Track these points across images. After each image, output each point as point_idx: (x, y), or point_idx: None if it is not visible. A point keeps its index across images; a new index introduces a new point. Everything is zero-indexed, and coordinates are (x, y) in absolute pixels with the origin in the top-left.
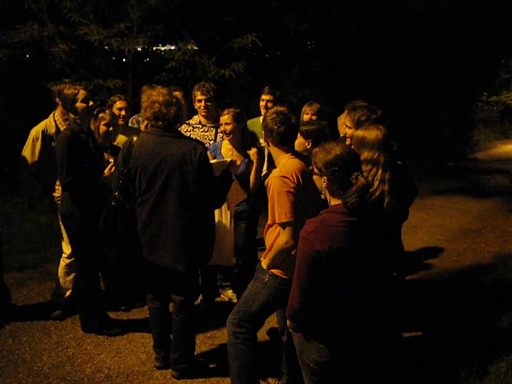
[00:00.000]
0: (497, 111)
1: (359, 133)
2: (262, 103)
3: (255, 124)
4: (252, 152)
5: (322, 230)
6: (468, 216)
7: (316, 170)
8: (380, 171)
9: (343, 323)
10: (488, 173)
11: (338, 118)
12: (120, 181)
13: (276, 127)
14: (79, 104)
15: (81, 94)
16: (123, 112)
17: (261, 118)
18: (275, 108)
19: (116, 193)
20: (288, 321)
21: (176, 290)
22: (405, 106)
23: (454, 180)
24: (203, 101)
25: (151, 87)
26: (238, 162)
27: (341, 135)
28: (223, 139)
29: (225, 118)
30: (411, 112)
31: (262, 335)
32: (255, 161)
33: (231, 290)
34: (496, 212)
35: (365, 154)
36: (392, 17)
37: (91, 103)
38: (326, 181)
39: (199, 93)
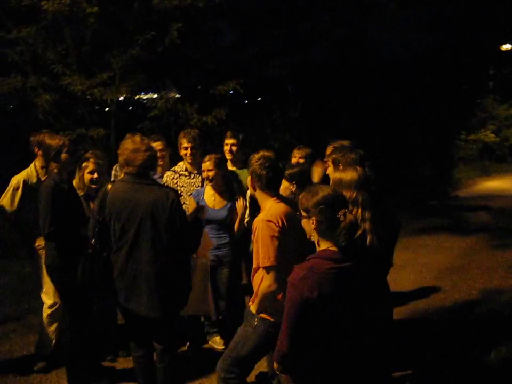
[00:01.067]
0: (476, 149)
1: (336, 175)
2: (226, 148)
3: None
4: (239, 204)
5: (311, 276)
6: (453, 254)
7: (303, 214)
8: (360, 210)
9: (331, 366)
10: (470, 210)
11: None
12: (96, 229)
13: (264, 172)
14: (63, 155)
15: (66, 144)
16: (95, 176)
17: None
18: (261, 153)
19: (93, 241)
20: (275, 363)
21: (156, 338)
22: (386, 147)
23: (437, 218)
24: (189, 148)
25: (133, 135)
26: (206, 210)
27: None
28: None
29: (207, 164)
30: (392, 153)
31: (251, 380)
32: (239, 211)
33: (218, 337)
34: (480, 248)
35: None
36: (370, 61)
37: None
38: (314, 221)
39: (185, 140)
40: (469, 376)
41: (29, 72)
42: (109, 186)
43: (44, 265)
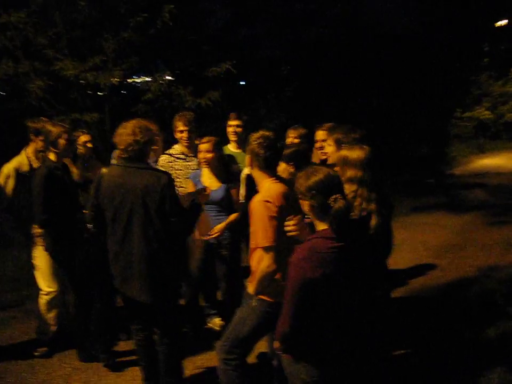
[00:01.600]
0: (471, 126)
1: (343, 152)
2: (230, 129)
3: (225, 151)
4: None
5: (313, 257)
6: (449, 232)
7: (299, 195)
8: (366, 190)
9: (331, 344)
10: (466, 187)
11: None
12: (92, 213)
13: (262, 151)
14: (61, 141)
15: (67, 132)
16: (89, 145)
17: (230, 145)
18: (261, 132)
19: (89, 225)
20: (276, 343)
21: (155, 321)
22: (381, 126)
23: (433, 196)
24: (185, 131)
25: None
26: (208, 191)
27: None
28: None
29: (206, 146)
30: (387, 131)
31: (252, 360)
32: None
33: (218, 318)
34: (477, 225)
35: (348, 174)
36: (364, 39)
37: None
38: (308, 205)
39: (181, 123)
40: (467, 353)
41: (20, 58)
42: (104, 170)
43: (40, 252)
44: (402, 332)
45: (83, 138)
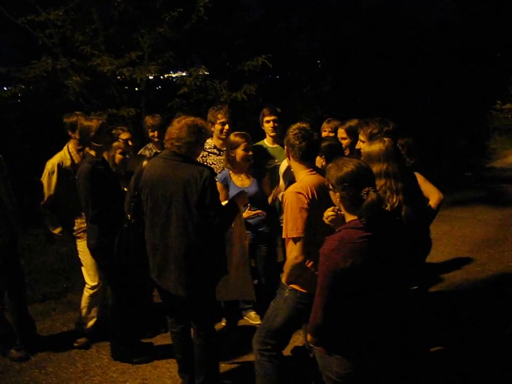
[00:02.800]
0: None
1: (365, 149)
2: (268, 125)
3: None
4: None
5: (343, 247)
6: (489, 226)
7: (330, 187)
8: (393, 181)
9: (364, 336)
10: (506, 181)
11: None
12: (132, 204)
13: (297, 142)
14: (102, 136)
15: (103, 125)
16: (130, 143)
17: (266, 140)
18: (298, 123)
19: (128, 216)
20: (309, 336)
21: (191, 315)
22: (419, 119)
23: (472, 189)
24: (226, 123)
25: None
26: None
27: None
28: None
29: (247, 144)
30: (425, 124)
31: (288, 353)
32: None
33: (253, 312)
34: None
35: (374, 169)
36: (402, 31)
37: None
38: (339, 197)
39: (221, 115)
40: (506, 351)
41: (58, 55)
42: (145, 163)
43: (84, 247)
44: (439, 326)
45: (124, 136)
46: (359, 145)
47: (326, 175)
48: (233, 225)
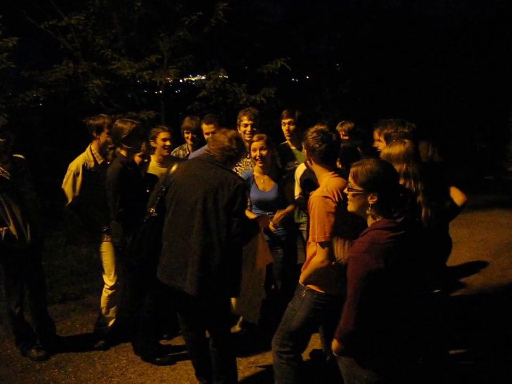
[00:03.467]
0: None
1: (385, 150)
2: (284, 128)
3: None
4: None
5: (374, 248)
6: (510, 230)
7: (359, 188)
8: (412, 182)
9: (395, 341)
10: None
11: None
12: (158, 198)
13: (317, 145)
14: (136, 139)
15: (136, 129)
16: (168, 143)
17: (285, 143)
18: (316, 126)
19: (152, 209)
20: (335, 344)
21: (207, 320)
22: (439, 122)
23: (493, 193)
24: (249, 125)
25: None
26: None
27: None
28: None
29: (259, 143)
30: (445, 127)
31: (306, 355)
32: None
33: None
34: None
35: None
36: (420, 34)
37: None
38: (372, 197)
39: (246, 117)
40: None
41: (79, 59)
42: (174, 167)
43: (106, 247)
44: (461, 331)
45: (162, 135)
46: (376, 144)
47: (354, 177)
48: (258, 245)
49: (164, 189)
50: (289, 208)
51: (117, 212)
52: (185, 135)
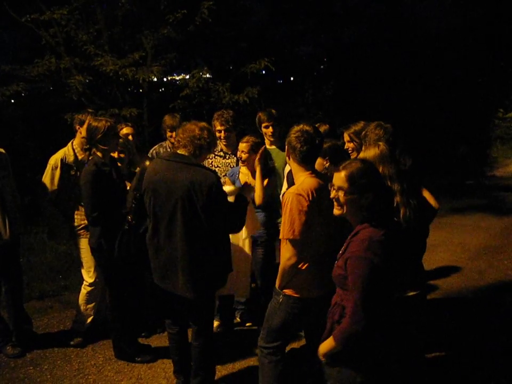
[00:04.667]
0: None
1: (361, 155)
2: (267, 130)
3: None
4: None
5: (373, 245)
6: (489, 234)
7: (355, 190)
8: (389, 183)
9: (387, 340)
10: (507, 189)
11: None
12: (133, 205)
13: (299, 145)
14: (110, 137)
15: (110, 127)
16: (130, 138)
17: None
18: (302, 125)
19: (129, 217)
20: (329, 345)
21: (192, 317)
22: (421, 126)
23: (473, 197)
24: (222, 131)
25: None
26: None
27: None
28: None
29: (243, 146)
30: (427, 131)
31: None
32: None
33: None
34: None
35: None
36: (405, 37)
37: (125, 131)
38: (349, 199)
39: (218, 123)
40: (504, 359)
41: (62, 54)
42: (147, 163)
43: (84, 244)
44: (437, 334)
45: (125, 130)
46: (347, 145)
47: (349, 180)
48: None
49: (138, 195)
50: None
51: (91, 216)
52: (168, 134)
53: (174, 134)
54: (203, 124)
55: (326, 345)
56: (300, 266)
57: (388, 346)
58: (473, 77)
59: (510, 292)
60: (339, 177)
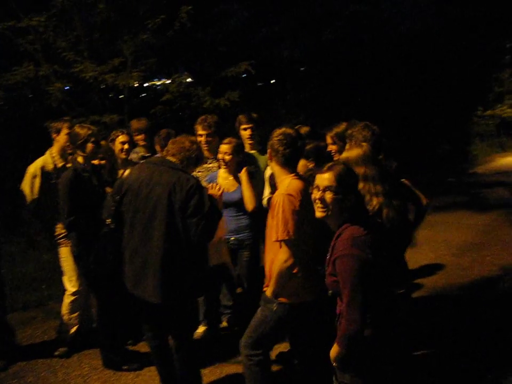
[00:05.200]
0: (493, 124)
1: (343, 155)
2: (245, 133)
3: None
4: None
5: (358, 241)
6: (472, 230)
7: (332, 190)
8: (371, 184)
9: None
10: (489, 186)
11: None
12: (113, 208)
13: (281, 148)
14: (89, 144)
15: (94, 135)
16: (126, 146)
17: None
18: (284, 128)
19: (108, 220)
20: (335, 351)
21: (170, 326)
22: (401, 125)
23: (455, 195)
24: (204, 135)
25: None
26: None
27: None
28: (219, 168)
29: (225, 147)
30: (408, 130)
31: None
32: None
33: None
34: (500, 224)
35: None
36: (383, 38)
37: (103, 142)
38: (331, 198)
39: (200, 127)
40: (490, 355)
41: (40, 61)
42: (128, 170)
43: (66, 253)
44: (423, 331)
45: (121, 138)
46: (330, 147)
47: (329, 180)
48: None
49: (117, 198)
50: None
51: (66, 221)
52: (136, 137)
53: (141, 136)
54: (194, 138)
55: (333, 350)
56: (294, 270)
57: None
58: (452, 75)
59: (493, 288)
60: (326, 178)
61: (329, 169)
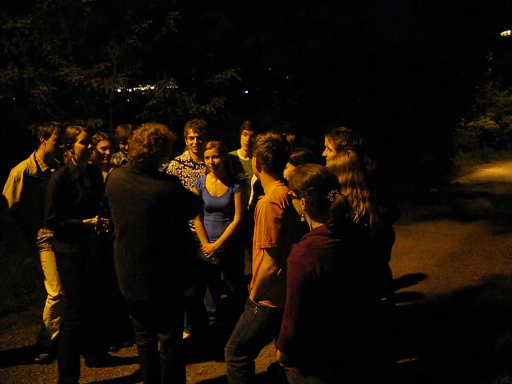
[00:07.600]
0: (476, 136)
1: (330, 162)
2: (245, 138)
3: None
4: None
5: (311, 253)
6: (454, 240)
7: (293, 194)
8: (358, 190)
9: (339, 351)
10: (471, 197)
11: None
12: (98, 215)
13: (270, 155)
14: (77, 144)
15: (82, 135)
16: (107, 152)
17: (239, 152)
18: (268, 134)
19: (95, 227)
20: (279, 354)
21: (159, 328)
22: (385, 135)
23: (438, 205)
24: (195, 138)
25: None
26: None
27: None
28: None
29: (212, 151)
30: (392, 140)
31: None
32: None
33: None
34: (481, 234)
35: (340, 179)
36: (369, 48)
37: (90, 145)
38: (304, 202)
39: (191, 130)
40: (472, 363)
41: (25, 64)
42: (113, 174)
43: (47, 257)
44: (406, 340)
45: (102, 143)
46: (325, 153)
47: (290, 183)
48: None
49: (101, 204)
50: (230, 228)
51: (48, 217)
52: (121, 146)
53: (126, 146)
54: (151, 131)
55: (277, 352)
56: (278, 275)
57: (348, 355)
58: (435, 86)
59: (475, 297)
60: (299, 182)
61: (303, 174)
